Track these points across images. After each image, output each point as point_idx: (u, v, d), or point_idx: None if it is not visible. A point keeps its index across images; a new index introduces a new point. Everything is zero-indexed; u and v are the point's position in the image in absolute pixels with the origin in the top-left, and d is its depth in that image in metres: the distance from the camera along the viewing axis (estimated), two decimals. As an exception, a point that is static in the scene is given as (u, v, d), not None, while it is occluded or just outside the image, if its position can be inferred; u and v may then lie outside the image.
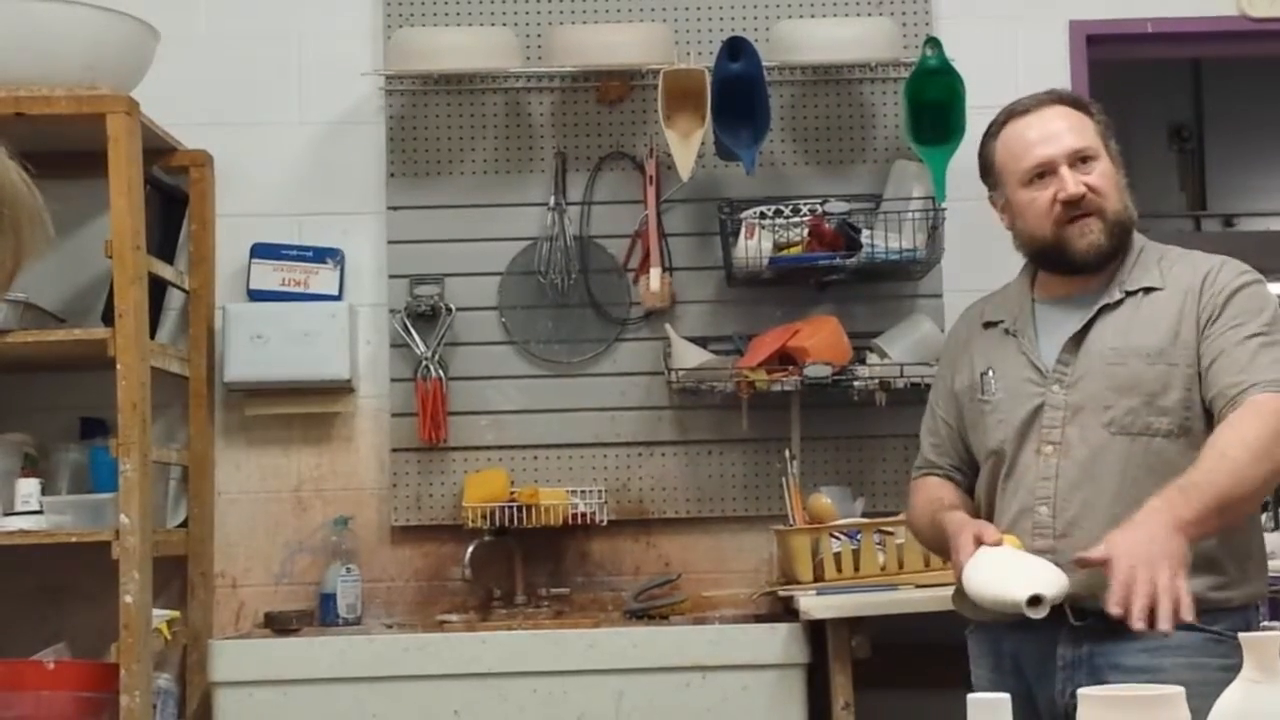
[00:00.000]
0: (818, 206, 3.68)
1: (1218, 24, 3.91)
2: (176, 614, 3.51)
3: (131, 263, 3.22)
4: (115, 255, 3.21)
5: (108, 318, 3.34)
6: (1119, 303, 2.35)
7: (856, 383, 3.56)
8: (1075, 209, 2.33)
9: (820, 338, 3.59)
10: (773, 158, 3.80)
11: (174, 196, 3.74)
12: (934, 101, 3.52)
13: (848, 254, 3.61)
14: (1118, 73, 4.27)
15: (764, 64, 3.62)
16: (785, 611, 3.38)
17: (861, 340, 3.66)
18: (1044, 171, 2.36)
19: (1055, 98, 2.45)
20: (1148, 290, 2.35)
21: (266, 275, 3.74)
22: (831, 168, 3.82)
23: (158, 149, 3.55)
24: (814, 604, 3.19)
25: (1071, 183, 2.33)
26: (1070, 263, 2.36)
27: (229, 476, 3.75)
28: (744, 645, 3.28)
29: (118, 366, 3.18)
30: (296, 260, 3.76)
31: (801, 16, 3.82)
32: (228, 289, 3.76)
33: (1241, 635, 1.36)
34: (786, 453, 3.65)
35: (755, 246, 3.60)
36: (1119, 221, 2.36)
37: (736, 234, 3.62)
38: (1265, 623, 3.32)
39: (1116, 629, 2.14)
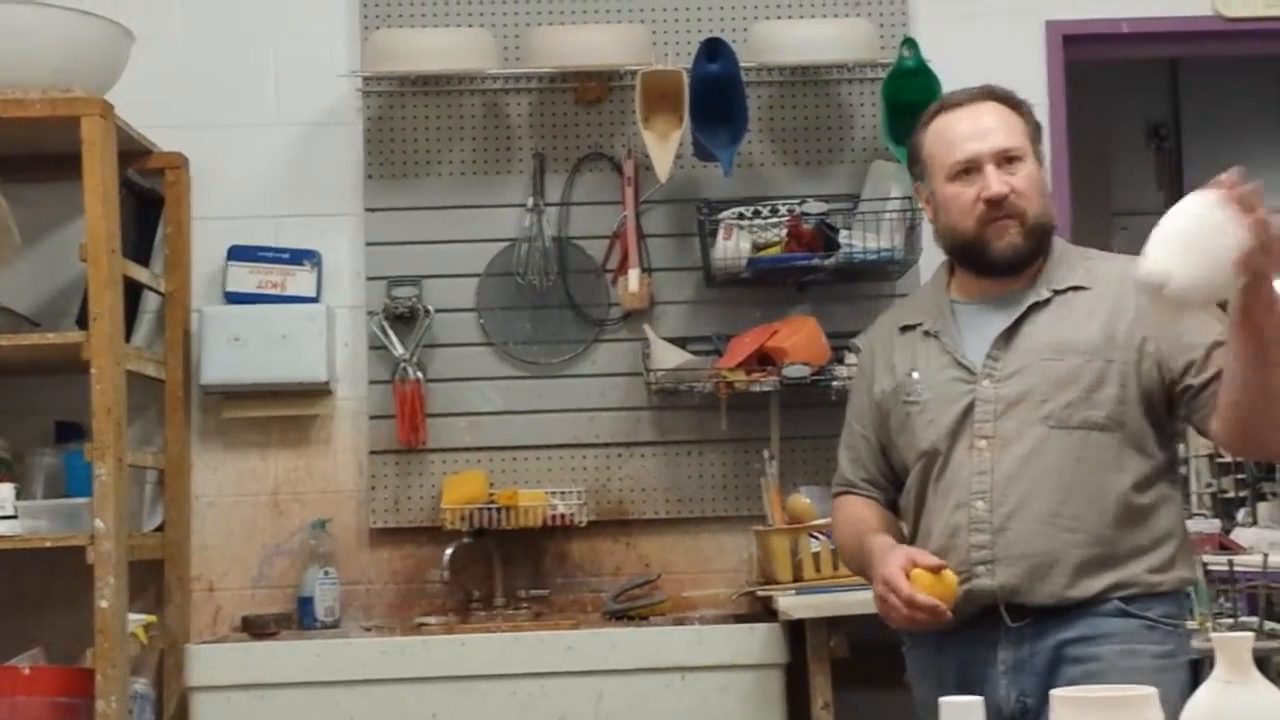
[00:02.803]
0: (796, 207, 3.68)
1: (1193, 24, 3.92)
2: (153, 618, 3.49)
3: (106, 266, 3.20)
4: (90, 258, 3.19)
5: (82, 321, 3.32)
6: (1047, 301, 2.37)
7: (835, 383, 3.56)
8: (998, 209, 2.33)
9: (799, 338, 3.60)
10: (751, 158, 3.80)
11: (149, 199, 3.72)
12: (911, 102, 3.50)
13: (826, 254, 3.61)
14: (1096, 73, 4.28)
15: (741, 65, 3.62)
16: (764, 611, 3.38)
17: (840, 340, 3.65)
18: (969, 168, 2.36)
19: (988, 93, 2.43)
20: (1075, 289, 2.37)
21: (243, 277, 3.73)
22: (809, 168, 3.83)
23: (133, 151, 3.54)
24: (793, 604, 3.20)
25: (996, 182, 2.33)
26: (988, 262, 2.37)
27: (206, 480, 3.74)
28: (723, 646, 3.28)
29: (92, 370, 3.17)
30: (273, 262, 3.74)
31: (779, 17, 3.82)
32: (204, 292, 3.75)
33: (1214, 635, 1.36)
34: (765, 453, 3.65)
35: (734, 247, 3.60)
36: (1039, 224, 2.37)
37: (715, 235, 3.62)
38: (1243, 618, 3.34)
39: (1051, 625, 2.23)
